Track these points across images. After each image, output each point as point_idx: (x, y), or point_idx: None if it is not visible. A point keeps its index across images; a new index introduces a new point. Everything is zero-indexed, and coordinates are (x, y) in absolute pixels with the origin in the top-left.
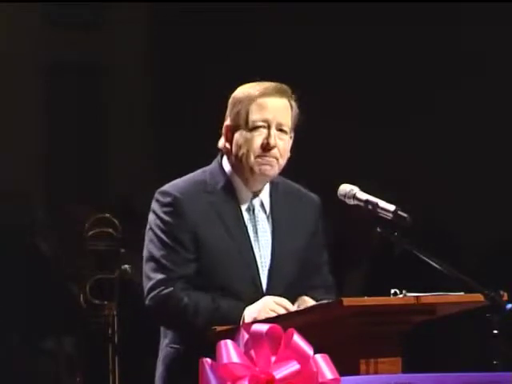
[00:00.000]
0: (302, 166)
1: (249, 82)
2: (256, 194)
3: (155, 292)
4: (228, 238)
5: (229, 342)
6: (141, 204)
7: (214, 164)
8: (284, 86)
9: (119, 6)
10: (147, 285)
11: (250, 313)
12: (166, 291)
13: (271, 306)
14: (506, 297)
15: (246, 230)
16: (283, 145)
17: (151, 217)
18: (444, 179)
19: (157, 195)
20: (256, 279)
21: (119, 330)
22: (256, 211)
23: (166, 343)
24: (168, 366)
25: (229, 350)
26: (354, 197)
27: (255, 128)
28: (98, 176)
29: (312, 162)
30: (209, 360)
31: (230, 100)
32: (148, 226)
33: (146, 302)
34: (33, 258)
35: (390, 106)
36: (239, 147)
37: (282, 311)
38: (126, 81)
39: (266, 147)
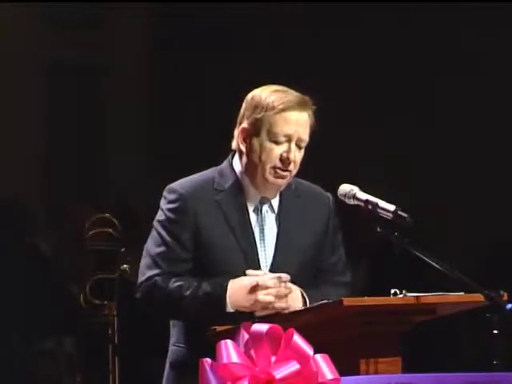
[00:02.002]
0: (302, 166)
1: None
2: (265, 197)
3: (142, 287)
4: (232, 237)
5: (229, 341)
6: (140, 204)
7: (225, 163)
8: (306, 98)
9: (119, 6)
10: (139, 280)
11: (235, 298)
12: (152, 281)
13: (260, 300)
14: (506, 297)
15: (252, 230)
16: (299, 158)
17: (158, 213)
18: (444, 179)
19: (164, 192)
20: None
21: (119, 330)
22: (264, 212)
23: (172, 342)
24: (173, 364)
25: (229, 350)
26: (354, 197)
27: (276, 140)
28: (98, 176)
29: (312, 161)
30: (209, 360)
31: (249, 102)
32: (154, 221)
33: (137, 295)
34: (33, 257)
35: (390, 106)
36: (257, 154)
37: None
38: (126, 81)
39: (286, 161)
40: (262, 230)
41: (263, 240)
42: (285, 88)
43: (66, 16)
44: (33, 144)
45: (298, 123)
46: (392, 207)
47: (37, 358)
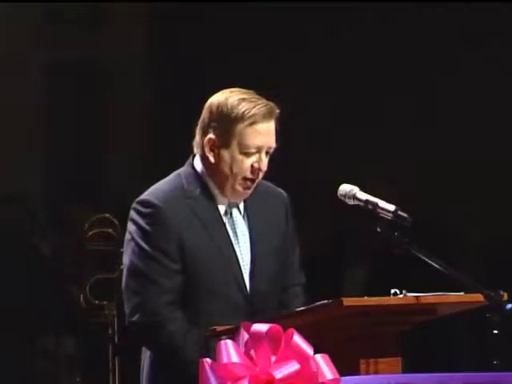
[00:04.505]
0: (302, 166)
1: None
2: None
3: (142, 312)
4: (212, 244)
5: (229, 341)
6: None
7: (188, 168)
8: (273, 106)
9: (119, 6)
10: (134, 301)
11: None
12: (154, 318)
13: None
14: (506, 297)
15: (227, 233)
16: (266, 165)
17: (132, 227)
18: (444, 179)
19: (136, 205)
20: (240, 281)
21: (119, 330)
22: (234, 214)
23: None
24: (152, 361)
25: (229, 350)
26: (354, 197)
27: (247, 152)
28: (98, 176)
29: (312, 161)
30: (209, 360)
31: (215, 111)
32: (129, 237)
33: (134, 318)
34: (33, 257)
35: (391, 105)
36: (228, 166)
37: None
38: (126, 81)
39: (257, 171)
40: (235, 233)
41: (237, 242)
42: (249, 94)
43: (66, 15)
44: (33, 144)
45: (267, 133)
46: (392, 207)
47: (37, 357)
